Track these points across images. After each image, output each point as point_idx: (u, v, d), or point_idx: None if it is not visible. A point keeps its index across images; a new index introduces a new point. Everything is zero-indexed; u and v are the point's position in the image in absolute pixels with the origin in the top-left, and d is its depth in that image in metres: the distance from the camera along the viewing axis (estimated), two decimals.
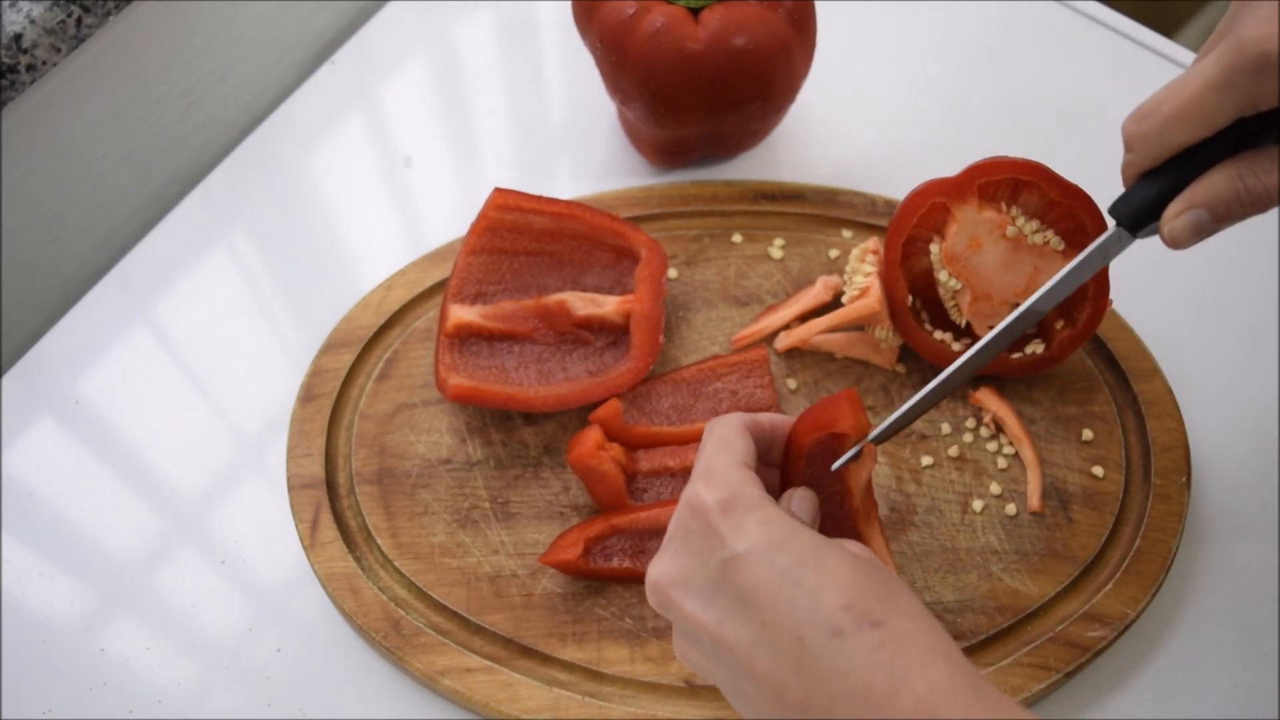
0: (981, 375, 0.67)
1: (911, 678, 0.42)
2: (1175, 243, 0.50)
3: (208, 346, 0.73)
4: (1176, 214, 0.49)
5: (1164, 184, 0.49)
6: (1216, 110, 0.47)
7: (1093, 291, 0.64)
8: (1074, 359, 0.68)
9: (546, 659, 0.60)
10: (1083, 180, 0.62)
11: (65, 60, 0.71)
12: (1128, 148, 0.50)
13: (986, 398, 0.66)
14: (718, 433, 0.51)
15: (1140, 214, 0.51)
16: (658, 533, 0.62)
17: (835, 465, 0.53)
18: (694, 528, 0.47)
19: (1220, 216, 0.49)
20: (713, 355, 0.69)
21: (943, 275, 0.65)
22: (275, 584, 0.64)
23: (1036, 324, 0.67)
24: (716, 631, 0.45)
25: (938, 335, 0.67)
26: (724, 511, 0.46)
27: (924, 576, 0.61)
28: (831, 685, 0.42)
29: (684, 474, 0.64)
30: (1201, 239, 0.49)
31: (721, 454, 0.49)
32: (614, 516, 0.62)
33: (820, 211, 0.74)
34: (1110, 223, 0.53)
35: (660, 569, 0.48)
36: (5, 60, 0.66)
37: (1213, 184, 0.48)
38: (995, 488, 0.64)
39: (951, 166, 0.64)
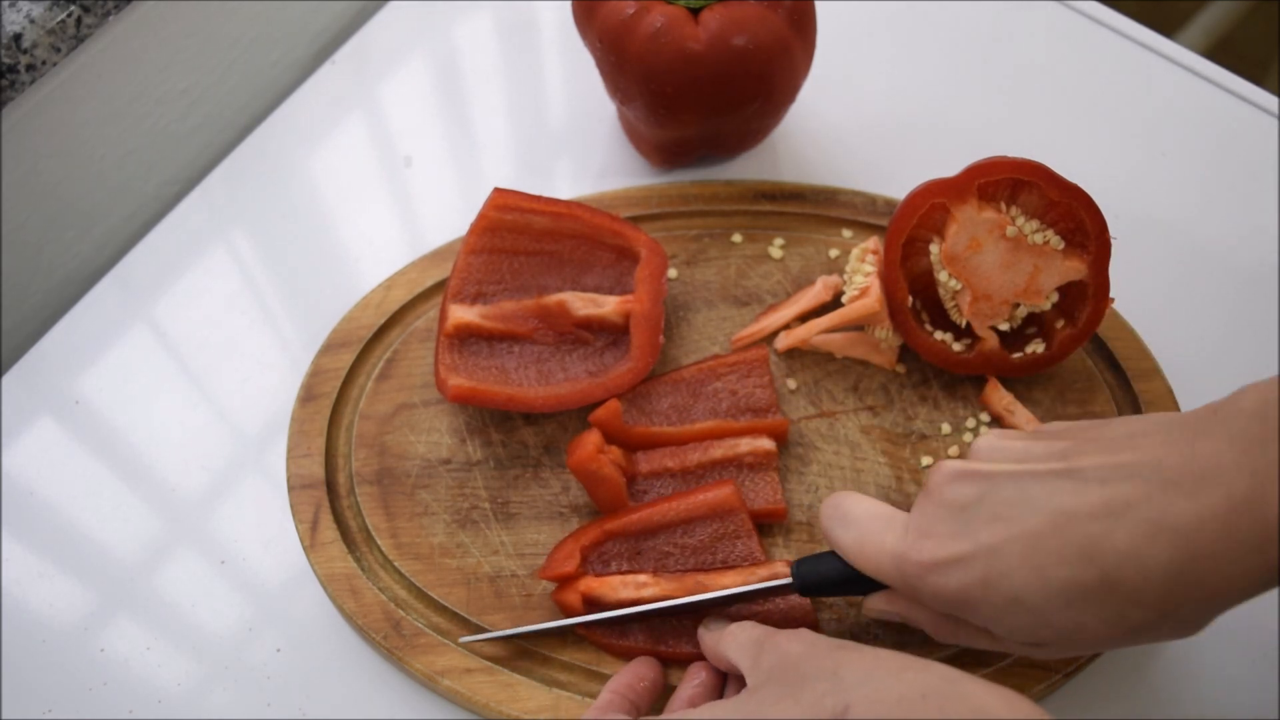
0: (983, 375, 0.67)
1: None
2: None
3: (208, 346, 0.73)
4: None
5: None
6: None
7: (1093, 291, 0.64)
8: (1074, 359, 0.68)
9: (546, 659, 0.60)
10: (1082, 180, 0.62)
11: (65, 60, 0.71)
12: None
13: (993, 389, 0.66)
14: None
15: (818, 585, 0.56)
16: (653, 532, 0.62)
17: None
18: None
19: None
20: (713, 355, 0.69)
21: (943, 275, 0.65)
22: (275, 584, 0.64)
23: (1038, 324, 0.67)
24: None
25: (938, 335, 0.67)
26: None
27: None
28: None
29: (683, 475, 0.64)
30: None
31: None
32: (607, 521, 0.62)
33: (820, 211, 0.74)
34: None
35: None
36: (5, 60, 0.66)
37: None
38: None
39: (951, 167, 0.64)
